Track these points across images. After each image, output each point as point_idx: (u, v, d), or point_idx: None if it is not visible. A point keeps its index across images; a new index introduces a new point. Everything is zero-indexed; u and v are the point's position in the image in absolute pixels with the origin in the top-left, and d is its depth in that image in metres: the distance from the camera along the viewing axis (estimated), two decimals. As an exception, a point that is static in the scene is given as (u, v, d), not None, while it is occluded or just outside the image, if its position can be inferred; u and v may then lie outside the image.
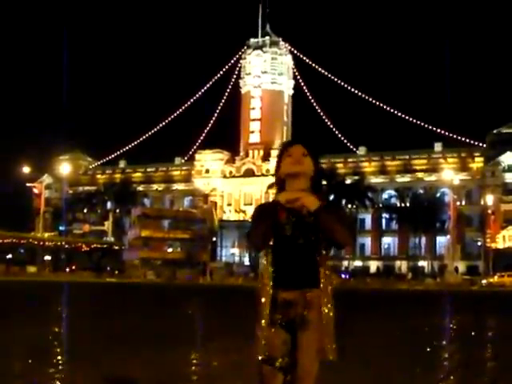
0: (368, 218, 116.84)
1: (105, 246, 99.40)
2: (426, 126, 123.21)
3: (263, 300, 4.02)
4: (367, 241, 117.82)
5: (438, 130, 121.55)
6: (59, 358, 9.38)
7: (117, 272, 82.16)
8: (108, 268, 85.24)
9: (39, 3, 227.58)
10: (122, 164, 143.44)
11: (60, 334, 13.02)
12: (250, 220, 4.25)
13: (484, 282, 74.19)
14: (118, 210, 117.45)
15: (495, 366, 9.82)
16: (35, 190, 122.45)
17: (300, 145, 4.04)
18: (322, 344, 3.97)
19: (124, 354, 10.02)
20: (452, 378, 8.62)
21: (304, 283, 4.01)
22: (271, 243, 4.02)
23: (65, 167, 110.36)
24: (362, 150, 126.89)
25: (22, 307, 20.79)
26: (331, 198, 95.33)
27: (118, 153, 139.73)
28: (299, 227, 3.97)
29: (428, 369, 9.05)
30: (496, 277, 75.05)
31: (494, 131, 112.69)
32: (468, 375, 8.90)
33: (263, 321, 4.00)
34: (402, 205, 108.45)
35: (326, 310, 4.00)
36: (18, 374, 8.02)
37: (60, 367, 8.53)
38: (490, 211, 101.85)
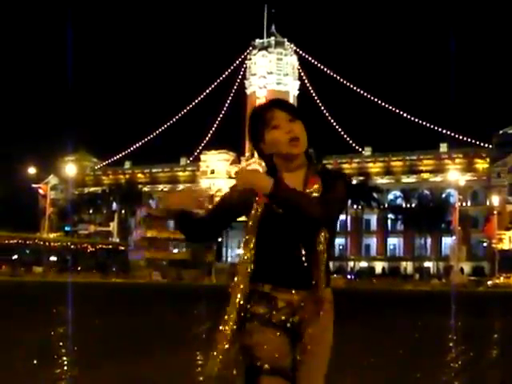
0: (373, 219, 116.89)
1: (110, 246, 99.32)
2: (432, 126, 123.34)
3: (238, 296, 3.03)
4: (373, 241, 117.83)
5: (444, 131, 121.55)
6: (65, 359, 9.36)
7: (122, 272, 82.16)
8: (113, 269, 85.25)
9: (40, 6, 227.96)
10: (127, 165, 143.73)
11: (66, 335, 13.01)
12: None
13: (490, 282, 74.07)
14: (123, 211, 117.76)
15: (500, 368, 9.79)
16: (41, 191, 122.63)
17: (279, 109, 3.09)
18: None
19: (135, 355, 10.01)
20: (458, 380, 8.59)
21: (303, 282, 2.89)
22: (252, 225, 2.96)
23: (70, 168, 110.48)
24: (367, 151, 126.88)
25: (29, 308, 20.79)
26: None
27: (124, 153, 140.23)
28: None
29: (434, 370, 9.03)
30: (502, 278, 74.98)
31: (500, 132, 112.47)
32: (474, 377, 8.88)
33: (230, 319, 2.94)
34: (408, 205, 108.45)
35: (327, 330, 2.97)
36: (23, 375, 7.99)
37: (65, 368, 8.52)
38: (495, 212, 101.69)
